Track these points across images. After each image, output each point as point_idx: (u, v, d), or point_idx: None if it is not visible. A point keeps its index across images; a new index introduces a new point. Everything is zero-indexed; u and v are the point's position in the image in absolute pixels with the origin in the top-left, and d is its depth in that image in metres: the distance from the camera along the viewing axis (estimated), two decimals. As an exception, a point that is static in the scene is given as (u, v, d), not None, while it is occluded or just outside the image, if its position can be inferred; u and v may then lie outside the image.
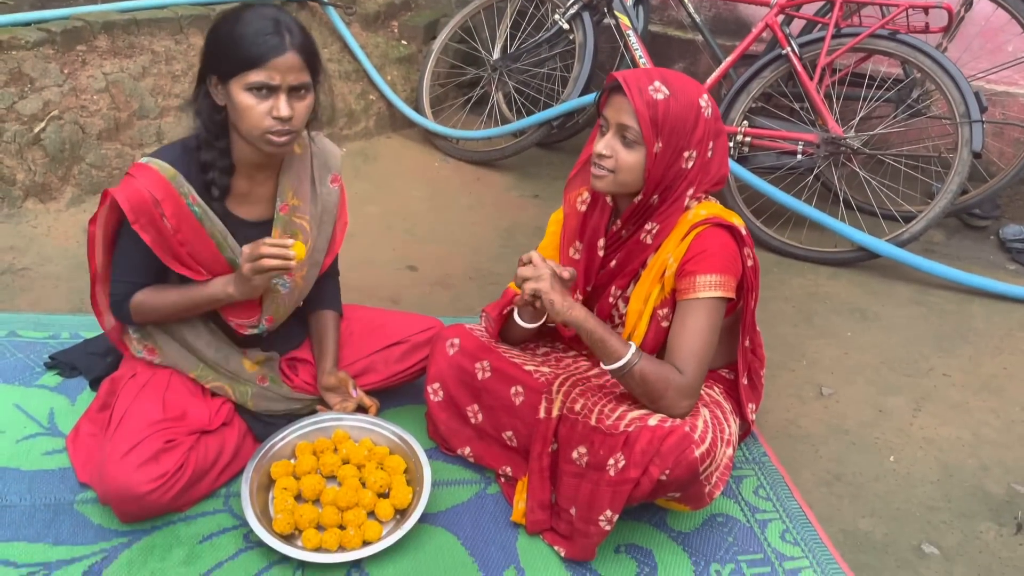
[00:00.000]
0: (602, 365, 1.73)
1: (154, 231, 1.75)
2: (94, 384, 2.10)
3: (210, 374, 1.93)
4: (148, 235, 1.75)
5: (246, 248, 1.72)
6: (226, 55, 1.66)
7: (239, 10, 1.70)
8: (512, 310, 1.97)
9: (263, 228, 1.89)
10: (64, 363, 2.17)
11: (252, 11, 1.68)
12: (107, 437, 1.78)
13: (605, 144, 1.74)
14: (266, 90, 1.65)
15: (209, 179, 1.78)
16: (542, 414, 1.84)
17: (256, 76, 1.63)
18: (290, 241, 1.69)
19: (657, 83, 1.70)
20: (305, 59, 1.69)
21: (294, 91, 1.68)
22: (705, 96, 1.75)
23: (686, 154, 1.74)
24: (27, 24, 3.00)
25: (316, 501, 1.83)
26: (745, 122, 3.38)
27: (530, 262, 1.75)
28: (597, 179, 1.77)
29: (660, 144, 1.70)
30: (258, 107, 1.66)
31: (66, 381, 2.14)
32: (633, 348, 1.71)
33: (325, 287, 2.11)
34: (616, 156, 1.73)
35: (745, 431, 2.06)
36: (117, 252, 1.85)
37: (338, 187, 2.01)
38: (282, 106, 1.66)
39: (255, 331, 1.96)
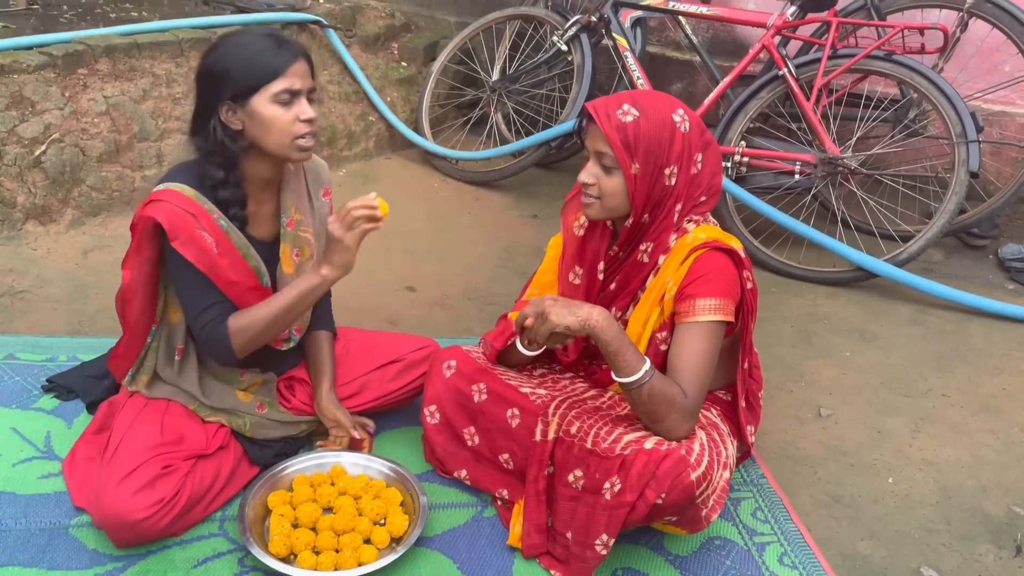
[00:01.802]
0: (614, 376, 1.72)
1: (194, 247, 1.75)
2: (91, 407, 2.10)
3: (206, 410, 1.93)
4: (190, 251, 1.74)
5: (333, 219, 1.75)
6: (241, 76, 1.71)
7: (233, 37, 1.76)
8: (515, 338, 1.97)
9: (272, 246, 1.93)
10: (61, 386, 2.17)
11: (246, 34, 1.76)
12: (104, 461, 1.77)
13: (588, 172, 1.77)
14: (289, 97, 1.72)
15: (232, 215, 1.82)
16: (538, 437, 1.84)
17: (280, 84, 1.71)
18: (372, 195, 1.74)
19: (626, 106, 1.71)
20: (310, 65, 1.79)
21: (309, 95, 1.77)
22: (680, 111, 1.75)
23: (667, 171, 1.74)
24: (29, 48, 3.02)
25: (312, 529, 1.82)
26: (743, 142, 3.39)
27: (524, 314, 1.75)
28: (587, 207, 1.80)
29: (637, 165, 1.71)
30: (286, 115, 1.73)
31: (63, 404, 2.14)
32: (648, 364, 1.69)
33: (318, 306, 2.10)
34: (599, 183, 1.76)
35: (744, 453, 2.06)
36: (181, 288, 1.83)
37: (329, 200, 2.06)
38: (307, 108, 1.74)
39: (289, 344, 1.99)
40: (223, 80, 1.72)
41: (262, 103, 1.72)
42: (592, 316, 1.68)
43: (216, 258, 1.78)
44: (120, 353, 1.93)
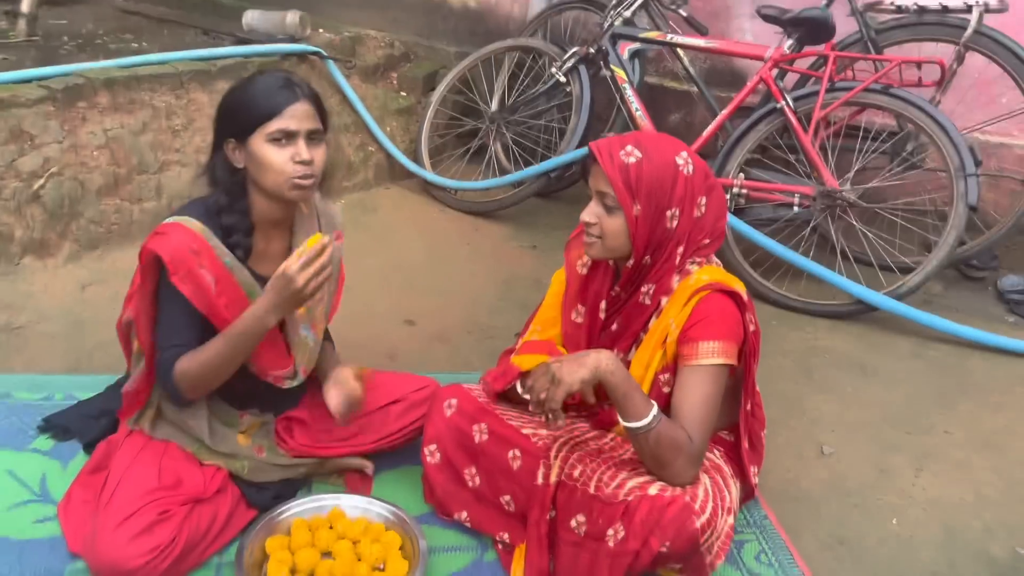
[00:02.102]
0: (621, 421, 1.70)
1: (192, 284, 1.75)
2: (88, 448, 2.07)
3: (205, 452, 1.91)
4: (187, 287, 1.75)
5: (284, 272, 1.69)
6: (243, 114, 1.75)
7: (249, 77, 1.82)
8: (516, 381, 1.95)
9: None
10: (58, 426, 2.14)
11: (261, 75, 1.81)
12: (100, 506, 1.76)
13: (590, 212, 1.77)
14: (285, 138, 1.74)
15: (233, 242, 1.82)
16: (540, 480, 1.82)
17: (276, 125, 1.72)
18: (324, 238, 1.70)
19: (629, 147, 1.71)
20: (316, 108, 1.80)
21: (311, 138, 1.77)
22: (684, 154, 1.75)
23: (668, 213, 1.74)
24: (28, 81, 3.01)
25: (311, 574, 1.79)
26: (741, 175, 3.39)
27: (529, 384, 1.71)
28: (589, 246, 1.80)
29: (639, 207, 1.71)
30: (280, 155, 1.74)
31: (59, 445, 2.11)
32: (655, 409, 1.67)
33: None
34: (601, 223, 1.75)
35: (748, 494, 2.04)
36: (160, 320, 1.83)
37: (341, 244, 2.08)
38: (303, 150, 1.74)
39: (293, 383, 1.97)
40: (228, 118, 1.78)
41: (259, 143, 1.74)
42: (601, 362, 1.66)
43: (213, 298, 1.78)
44: (137, 391, 1.90)
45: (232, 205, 1.81)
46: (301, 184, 1.77)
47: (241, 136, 1.75)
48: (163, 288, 1.79)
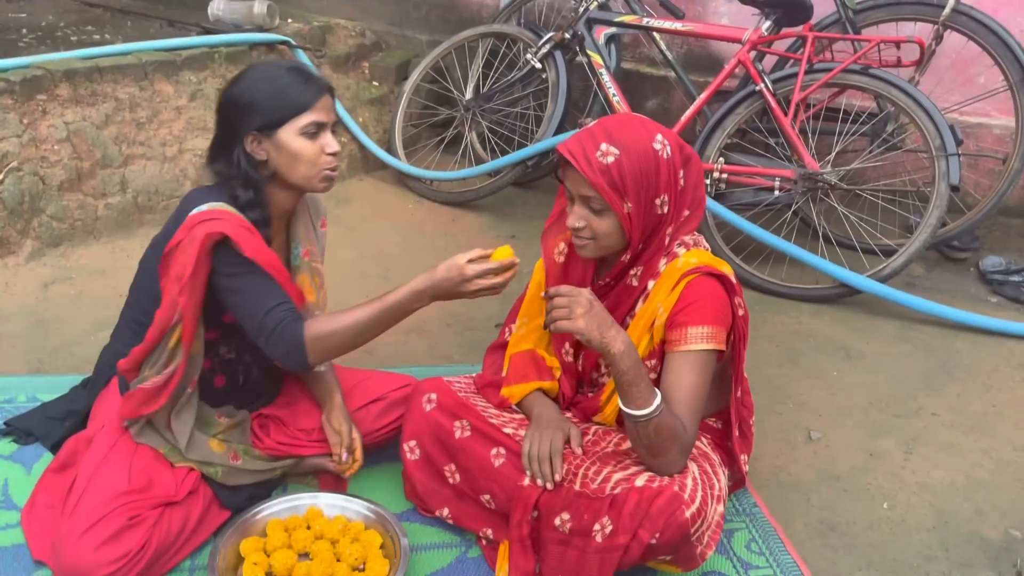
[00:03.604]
0: (623, 407, 1.63)
1: (265, 253, 1.73)
2: (53, 450, 1.99)
3: (177, 456, 1.82)
4: (263, 256, 1.71)
5: (469, 263, 1.67)
6: (269, 108, 1.72)
7: (260, 68, 1.79)
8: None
9: None
10: (20, 429, 2.06)
11: (273, 67, 1.79)
12: (66, 511, 1.68)
13: (576, 216, 1.69)
14: (316, 130, 1.75)
15: (265, 235, 1.78)
16: (526, 481, 1.74)
17: (309, 118, 1.73)
18: (512, 260, 1.67)
19: (604, 145, 1.63)
20: (333, 99, 1.82)
21: (333, 128, 1.81)
22: (659, 136, 1.68)
23: (658, 201, 1.69)
24: (-15, 74, 2.91)
25: (288, 577, 1.73)
26: (721, 159, 3.34)
27: (557, 295, 1.62)
28: (581, 248, 1.74)
29: (630, 204, 1.65)
30: (312, 147, 1.75)
31: (22, 449, 2.03)
32: (659, 398, 1.61)
33: None
34: (590, 225, 1.69)
35: (737, 482, 2.00)
36: (241, 296, 1.72)
37: (326, 231, 2.07)
38: (332, 141, 1.78)
39: None
40: (249, 111, 1.73)
41: (289, 135, 1.73)
42: (615, 343, 1.58)
43: (282, 266, 1.77)
44: (158, 388, 1.75)
45: (256, 199, 1.77)
46: (331, 175, 1.79)
47: (267, 129, 1.73)
48: (230, 268, 1.71)
